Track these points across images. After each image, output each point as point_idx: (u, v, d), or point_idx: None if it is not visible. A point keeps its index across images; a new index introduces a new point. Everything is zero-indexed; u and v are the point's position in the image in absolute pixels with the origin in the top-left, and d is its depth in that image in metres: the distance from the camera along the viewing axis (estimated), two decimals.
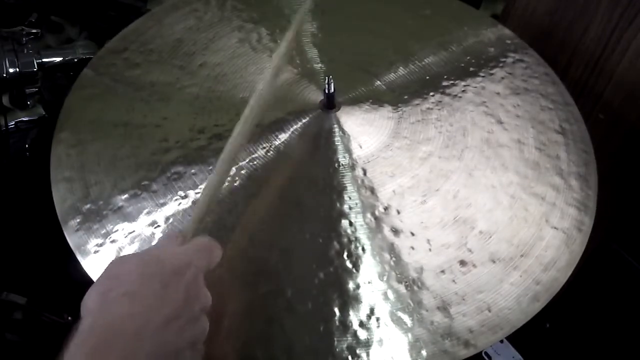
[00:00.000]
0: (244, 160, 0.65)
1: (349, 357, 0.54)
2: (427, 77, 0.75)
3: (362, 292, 0.57)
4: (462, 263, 0.60)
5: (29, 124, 0.80)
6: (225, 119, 0.69)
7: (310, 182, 0.64)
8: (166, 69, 0.76)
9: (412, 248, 0.60)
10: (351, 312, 0.56)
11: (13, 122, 0.79)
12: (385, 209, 0.62)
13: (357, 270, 0.59)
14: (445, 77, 0.75)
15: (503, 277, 0.59)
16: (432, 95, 0.73)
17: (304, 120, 0.68)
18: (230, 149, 0.57)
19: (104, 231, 0.62)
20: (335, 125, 0.68)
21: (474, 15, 0.88)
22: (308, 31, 0.80)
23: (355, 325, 0.56)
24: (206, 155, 0.66)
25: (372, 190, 0.64)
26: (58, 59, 0.82)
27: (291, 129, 0.68)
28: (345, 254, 0.59)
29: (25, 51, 0.77)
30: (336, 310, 0.56)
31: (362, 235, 0.61)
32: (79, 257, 0.60)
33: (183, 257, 0.51)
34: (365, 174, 0.65)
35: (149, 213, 0.62)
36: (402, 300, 0.57)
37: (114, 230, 0.62)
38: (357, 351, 0.55)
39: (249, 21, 0.81)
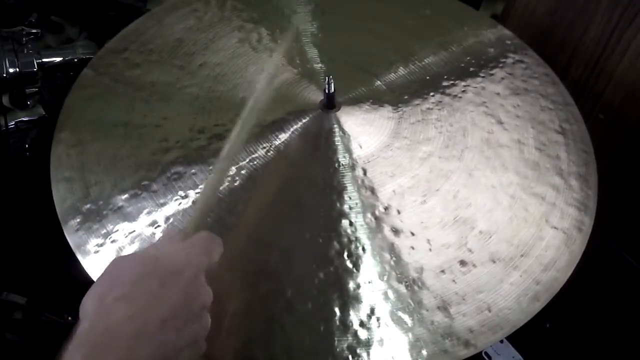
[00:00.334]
0: (244, 160, 0.65)
1: (350, 357, 0.54)
2: (427, 77, 0.75)
3: (363, 292, 0.57)
4: (462, 263, 0.60)
5: (29, 124, 0.80)
6: (225, 119, 0.69)
7: (310, 182, 0.64)
8: (166, 69, 0.76)
9: (412, 248, 0.60)
10: (351, 312, 0.56)
11: (13, 122, 0.79)
12: (386, 209, 0.62)
13: (357, 270, 0.59)
14: (445, 77, 0.75)
15: (503, 277, 0.59)
16: (432, 96, 0.73)
17: (304, 120, 0.68)
18: (230, 147, 0.57)
19: (104, 231, 0.62)
20: (335, 125, 0.68)
21: (474, 15, 0.88)
22: (308, 31, 0.80)
23: (356, 325, 0.56)
24: (206, 155, 0.66)
25: (372, 190, 0.64)
26: (58, 59, 0.82)
27: (291, 129, 0.68)
28: (346, 254, 0.59)
29: (25, 51, 0.77)
30: (336, 310, 0.56)
31: (362, 235, 0.61)
32: (79, 257, 0.60)
33: (182, 256, 0.51)
34: (365, 174, 0.65)
35: (149, 213, 0.62)
36: (403, 300, 0.57)
37: (114, 230, 0.62)
38: (358, 351, 0.55)
39: (249, 21, 0.81)
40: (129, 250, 0.60)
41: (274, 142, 0.67)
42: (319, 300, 0.57)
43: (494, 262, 0.60)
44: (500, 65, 0.77)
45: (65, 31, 0.98)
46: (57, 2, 0.96)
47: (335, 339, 0.55)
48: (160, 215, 0.62)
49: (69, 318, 0.78)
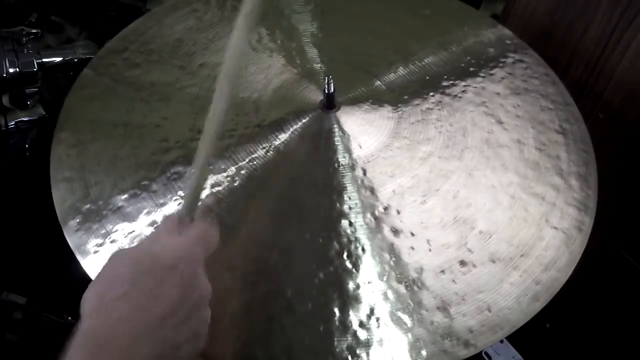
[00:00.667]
0: (244, 160, 0.65)
1: (349, 357, 0.54)
2: (427, 77, 0.75)
3: (362, 292, 0.57)
4: (462, 263, 0.60)
5: (29, 124, 0.80)
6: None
7: (310, 182, 0.64)
8: (166, 69, 0.76)
9: (412, 248, 0.60)
10: (351, 312, 0.56)
11: (13, 122, 0.79)
12: (385, 209, 0.62)
13: (357, 270, 0.59)
14: (445, 77, 0.75)
15: (503, 277, 0.59)
16: (432, 96, 0.73)
17: (304, 120, 0.68)
18: (211, 117, 0.55)
19: (103, 231, 0.62)
20: (335, 125, 0.68)
21: (474, 15, 0.88)
22: (308, 31, 0.80)
23: (355, 326, 0.56)
24: None
25: (372, 190, 0.64)
26: (58, 59, 0.82)
27: (291, 129, 0.68)
28: (345, 254, 0.59)
29: (25, 51, 0.77)
30: (336, 310, 0.56)
31: (362, 235, 0.61)
32: (78, 257, 0.60)
33: (178, 250, 0.50)
34: (365, 174, 0.65)
35: (148, 213, 0.62)
36: (402, 300, 0.57)
37: (113, 230, 0.62)
38: (357, 351, 0.55)
39: None
40: None
41: (274, 142, 0.67)
42: (318, 300, 0.57)
43: (493, 262, 0.60)
44: (500, 65, 0.77)
45: (65, 31, 0.98)
46: (57, 2, 0.96)
47: (335, 339, 0.55)
48: (160, 215, 0.62)
49: (69, 318, 0.78)
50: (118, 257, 0.51)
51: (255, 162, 0.65)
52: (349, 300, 0.57)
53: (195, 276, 0.50)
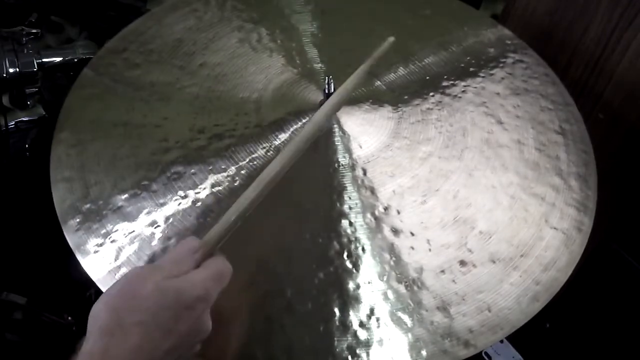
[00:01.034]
0: (244, 160, 0.65)
1: (349, 357, 0.54)
2: (427, 77, 0.75)
3: (362, 292, 0.57)
4: (462, 263, 0.60)
5: (29, 124, 0.80)
6: (225, 119, 0.69)
7: (310, 182, 0.64)
8: (166, 69, 0.76)
9: (412, 248, 0.60)
10: (351, 312, 0.56)
11: (13, 122, 0.79)
12: (385, 209, 0.62)
13: (357, 270, 0.59)
14: (445, 77, 0.75)
15: (503, 277, 0.59)
16: (432, 96, 0.73)
17: (304, 120, 0.68)
18: (271, 169, 0.57)
19: (103, 231, 0.62)
20: (335, 125, 0.68)
21: (474, 15, 0.88)
22: (308, 31, 0.80)
23: (355, 325, 0.56)
24: (206, 155, 0.66)
25: (372, 190, 0.64)
26: (58, 59, 0.82)
27: (291, 129, 0.68)
28: (345, 254, 0.59)
29: (25, 51, 0.77)
30: (336, 310, 0.56)
31: (362, 235, 0.61)
32: (78, 257, 0.60)
33: (198, 288, 0.51)
34: (365, 174, 0.65)
35: (148, 213, 0.62)
36: (402, 300, 0.57)
37: (113, 230, 0.62)
38: (357, 351, 0.55)
39: (249, 21, 0.81)
40: (128, 250, 0.60)
41: (274, 142, 0.67)
42: (318, 300, 0.57)
43: (493, 262, 0.60)
44: (500, 65, 0.77)
45: (65, 31, 0.99)
46: (57, 2, 0.96)
47: (335, 339, 0.55)
48: (160, 215, 0.62)
49: (69, 318, 0.78)
50: (140, 276, 0.51)
51: (255, 162, 0.65)
52: (349, 300, 0.57)
53: (204, 317, 0.51)
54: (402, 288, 0.58)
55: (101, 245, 0.61)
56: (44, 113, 0.80)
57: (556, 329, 0.92)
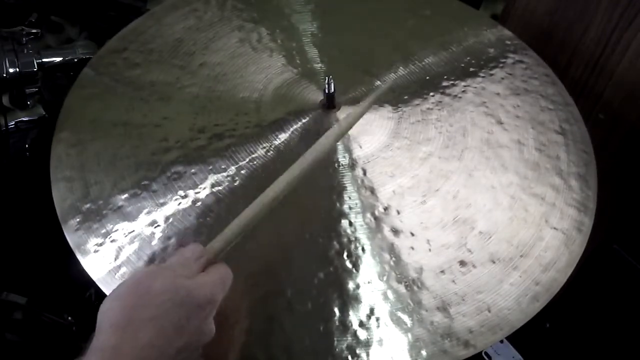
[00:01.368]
0: (244, 160, 0.65)
1: (349, 357, 0.54)
2: (427, 77, 0.75)
3: (362, 292, 0.57)
4: (462, 263, 0.60)
5: (29, 124, 0.80)
6: (225, 119, 0.69)
7: (310, 182, 0.64)
8: (166, 69, 0.76)
9: (412, 248, 0.60)
10: (351, 312, 0.56)
11: (13, 122, 0.79)
12: (385, 209, 0.62)
13: (357, 270, 0.59)
14: (445, 77, 0.75)
15: (503, 278, 0.59)
16: (432, 96, 0.73)
17: (304, 120, 0.68)
18: (279, 185, 0.57)
19: (103, 231, 0.62)
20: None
21: (474, 15, 0.88)
22: (308, 31, 0.80)
23: (355, 325, 0.56)
24: (206, 155, 0.66)
25: (372, 190, 0.64)
26: (58, 59, 0.82)
27: (291, 129, 0.68)
28: (345, 254, 0.59)
29: (25, 51, 0.77)
30: (336, 310, 0.56)
31: (362, 235, 0.61)
32: (78, 257, 0.60)
33: (208, 291, 0.51)
34: (365, 174, 0.65)
35: (148, 213, 0.62)
36: (402, 300, 0.57)
37: (113, 230, 0.62)
38: (357, 351, 0.55)
39: (249, 21, 0.81)
40: (128, 250, 0.60)
41: (274, 142, 0.67)
42: (318, 300, 0.57)
43: (493, 262, 0.60)
44: (500, 65, 0.77)
45: (65, 31, 0.99)
46: (57, 2, 0.96)
47: (335, 339, 0.55)
48: (160, 215, 0.62)
49: (69, 318, 0.78)
50: (151, 274, 0.51)
51: (255, 162, 0.65)
52: (349, 300, 0.57)
53: (210, 320, 0.51)
54: (402, 288, 0.58)
55: (101, 245, 0.61)
56: (44, 113, 0.80)
57: (556, 329, 0.92)
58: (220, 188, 0.63)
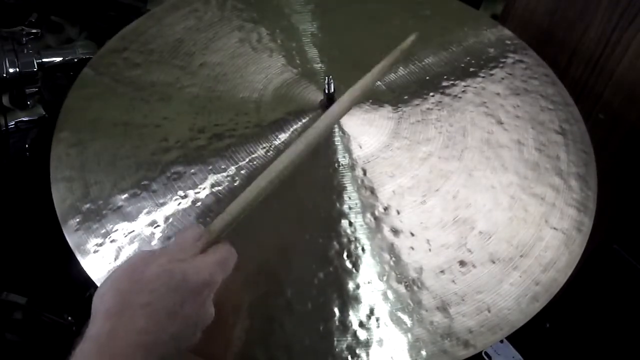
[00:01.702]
0: (244, 160, 0.65)
1: (349, 357, 0.54)
2: (427, 77, 0.75)
3: (362, 292, 0.57)
4: (462, 263, 0.60)
5: (29, 124, 0.80)
6: (225, 119, 0.69)
7: (310, 182, 0.64)
8: (166, 69, 0.76)
9: (412, 248, 0.60)
10: (351, 312, 0.56)
11: (13, 122, 0.79)
12: (385, 209, 0.62)
13: (357, 270, 0.59)
14: (445, 77, 0.75)
15: (503, 278, 0.59)
16: (432, 96, 0.73)
17: (304, 120, 0.68)
18: (283, 160, 0.57)
19: (103, 231, 0.62)
20: (335, 125, 0.68)
21: (474, 15, 0.88)
22: (308, 31, 0.80)
23: (355, 325, 0.56)
24: (206, 155, 0.66)
25: (372, 191, 0.64)
26: (58, 59, 0.82)
27: (291, 129, 0.68)
28: (345, 254, 0.59)
29: (25, 51, 0.78)
30: (336, 310, 0.57)
31: (362, 235, 0.61)
32: (78, 257, 0.60)
33: (204, 273, 0.51)
34: (365, 174, 0.65)
35: (148, 213, 0.62)
36: (402, 300, 0.57)
37: (113, 230, 0.62)
38: (357, 351, 0.55)
39: (249, 21, 0.81)
40: (128, 250, 0.60)
41: (274, 142, 0.67)
42: (318, 300, 0.57)
43: (493, 262, 0.60)
44: (500, 65, 0.77)
45: (65, 31, 0.99)
46: (57, 2, 0.96)
47: (335, 339, 0.55)
48: (160, 215, 0.62)
49: (69, 318, 0.78)
50: (145, 259, 0.51)
51: (255, 162, 0.65)
52: (348, 300, 0.57)
53: (208, 303, 0.51)
54: (401, 288, 0.58)
55: (101, 245, 0.61)
56: (44, 113, 0.80)
57: (556, 329, 0.92)
58: (220, 188, 0.63)
